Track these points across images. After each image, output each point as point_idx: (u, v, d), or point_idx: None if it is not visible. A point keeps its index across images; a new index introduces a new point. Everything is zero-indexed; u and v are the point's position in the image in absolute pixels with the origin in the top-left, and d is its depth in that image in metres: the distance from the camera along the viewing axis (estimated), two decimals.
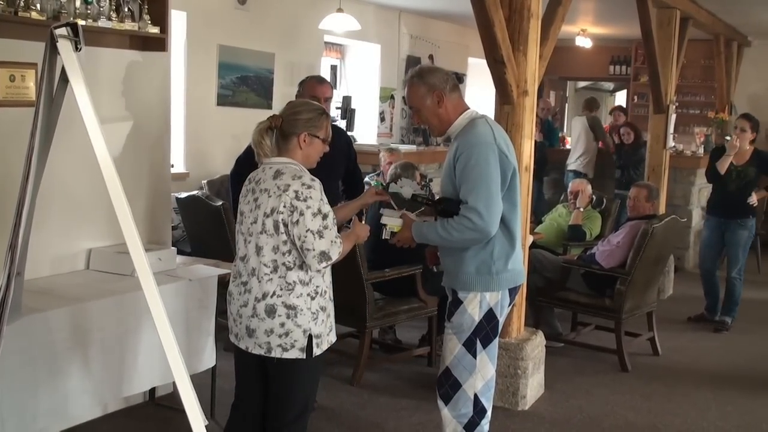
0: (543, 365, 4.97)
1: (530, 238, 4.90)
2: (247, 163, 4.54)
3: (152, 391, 4.49)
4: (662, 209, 7.43)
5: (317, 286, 3.04)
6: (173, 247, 4.46)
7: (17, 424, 3.29)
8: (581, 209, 6.68)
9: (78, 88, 2.53)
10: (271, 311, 2.99)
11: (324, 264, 2.95)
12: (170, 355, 2.53)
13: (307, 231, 2.91)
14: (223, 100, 7.38)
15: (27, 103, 3.71)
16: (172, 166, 5.05)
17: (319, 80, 4.68)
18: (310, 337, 3.01)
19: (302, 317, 2.99)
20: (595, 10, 10.24)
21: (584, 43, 11.98)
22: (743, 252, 6.60)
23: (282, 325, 2.99)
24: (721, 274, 6.81)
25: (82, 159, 3.85)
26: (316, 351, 3.04)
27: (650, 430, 4.54)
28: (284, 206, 2.93)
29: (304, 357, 3.02)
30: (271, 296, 2.99)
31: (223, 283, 4.23)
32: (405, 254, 5.22)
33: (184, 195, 5.98)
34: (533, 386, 4.79)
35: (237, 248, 3.13)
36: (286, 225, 2.94)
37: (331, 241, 2.95)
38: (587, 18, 10.81)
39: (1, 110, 3.66)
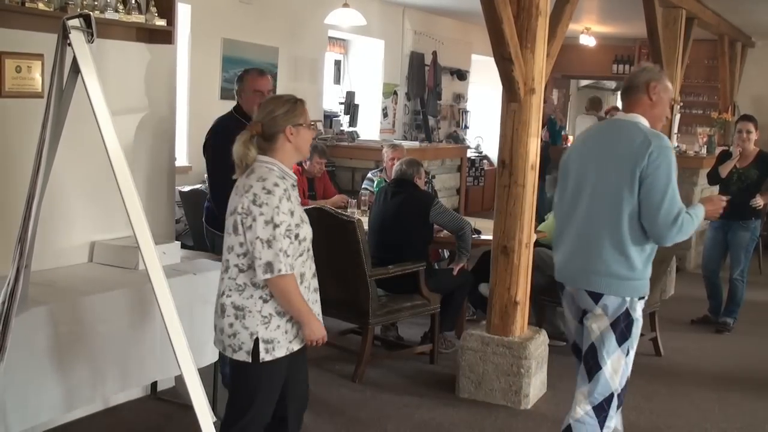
0: (546, 364, 4.96)
1: (533, 237, 4.88)
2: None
3: (154, 384, 4.48)
4: None
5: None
6: (177, 241, 4.45)
7: (20, 416, 3.28)
8: None
9: (90, 79, 2.52)
10: (222, 310, 3.00)
11: (268, 275, 2.85)
12: (179, 350, 2.51)
13: (256, 238, 2.85)
14: (226, 94, 7.34)
15: (33, 94, 3.69)
16: (175, 159, 5.02)
17: (260, 72, 4.57)
18: (257, 341, 2.94)
19: (250, 319, 2.94)
20: (599, 9, 10.23)
21: (588, 41, 11.97)
22: (745, 254, 6.58)
23: (231, 325, 2.97)
24: (723, 275, 6.80)
25: (86, 151, 3.84)
26: (265, 356, 2.96)
27: (652, 430, 4.53)
28: (242, 208, 2.88)
29: (250, 361, 2.96)
30: (223, 295, 3.00)
31: None
32: (408, 252, 5.25)
33: (187, 188, 5.97)
34: (536, 385, 4.78)
35: None
36: (242, 226, 2.89)
37: (276, 253, 2.84)
38: (591, 16, 10.80)
39: (6, 101, 3.63)
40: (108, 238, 4.17)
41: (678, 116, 7.97)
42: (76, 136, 3.50)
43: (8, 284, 2.77)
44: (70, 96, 2.72)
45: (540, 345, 4.83)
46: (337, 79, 10.16)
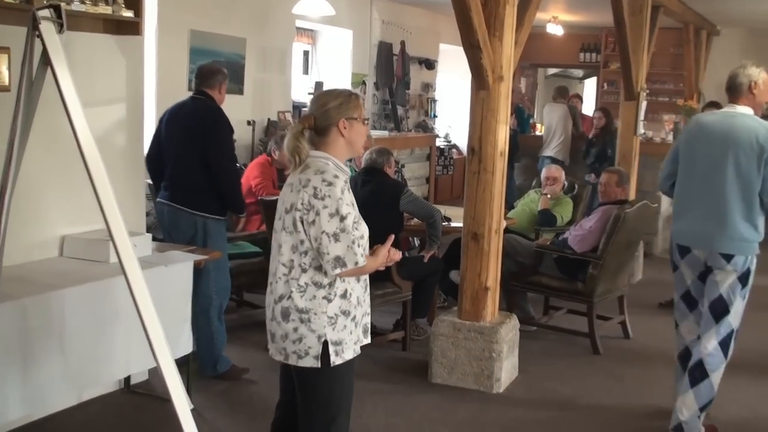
0: (517, 349, 5.02)
1: (503, 223, 4.93)
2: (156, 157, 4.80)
3: (127, 378, 4.46)
4: (632, 195, 7.50)
5: (336, 288, 2.82)
6: (148, 233, 4.43)
7: None
8: (548, 196, 6.74)
9: (61, 71, 2.51)
10: (285, 315, 2.83)
11: (339, 270, 2.73)
12: (155, 341, 2.52)
13: (322, 233, 2.71)
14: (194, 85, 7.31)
15: None
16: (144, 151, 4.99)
17: None
18: (325, 344, 2.80)
19: (316, 322, 2.79)
20: None
21: (555, 30, 12.05)
22: None
23: (295, 330, 2.81)
24: None
25: (52, 144, 3.80)
26: (335, 360, 2.82)
27: (623, 411, 4.60)
28: (302, 203, 2.75)
29: (320, 366, 2.81)
30: (286, 299, 2.83)
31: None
32: (378, 240, 5.26)
33: None
34: (508, 369, 4.84)
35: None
36: (303, 223, 2.76)
37: (348, 246, 2.73)
38: (559, 5, 10.88)
39: None
40: (78, 232, 4.14)
41: (645, 103, 8.05)
42: (43, 128, 3.47)
43: None
44: (39, 88, 2.70)
45: (511, 330, 4.89)
46: (306, 70, 10.15)
